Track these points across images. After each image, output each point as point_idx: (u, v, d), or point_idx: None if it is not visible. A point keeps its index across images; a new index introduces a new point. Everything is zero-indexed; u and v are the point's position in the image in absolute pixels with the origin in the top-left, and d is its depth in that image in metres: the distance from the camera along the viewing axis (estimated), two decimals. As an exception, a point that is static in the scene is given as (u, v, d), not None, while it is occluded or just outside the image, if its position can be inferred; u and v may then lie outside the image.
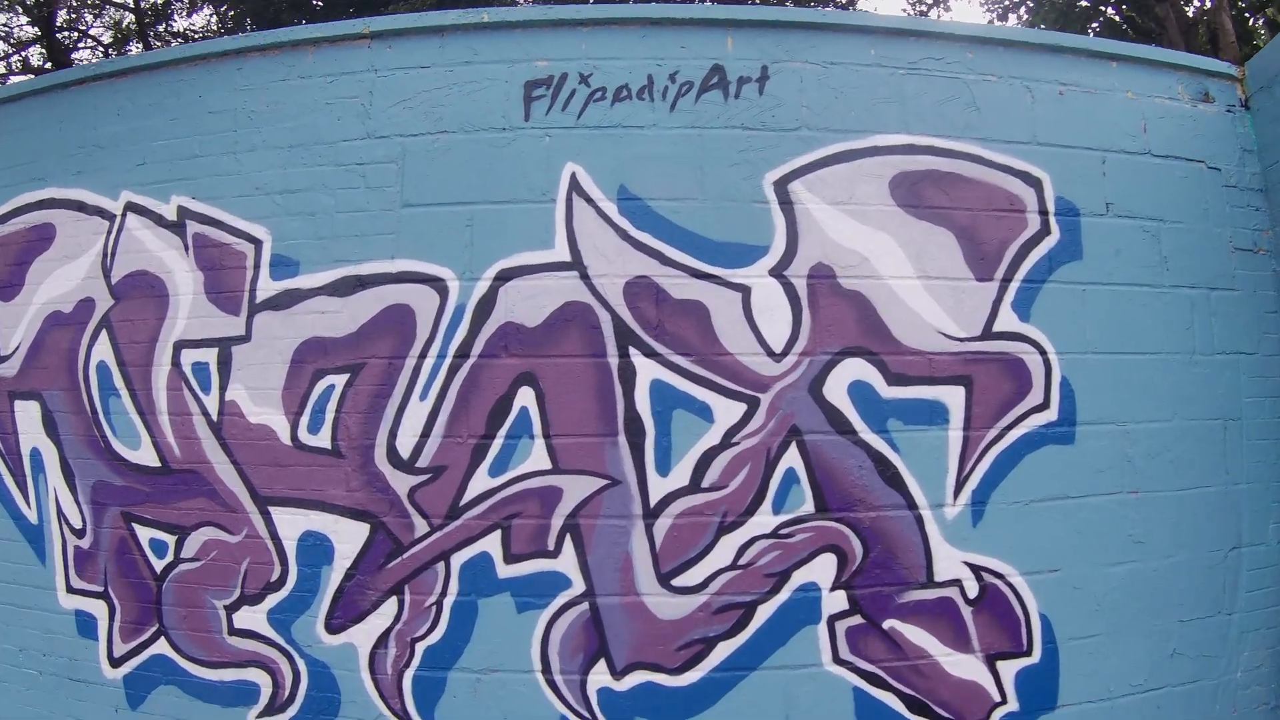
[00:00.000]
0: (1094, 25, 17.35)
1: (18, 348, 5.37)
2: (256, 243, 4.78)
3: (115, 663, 5.12)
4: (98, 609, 5.15)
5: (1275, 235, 5.06)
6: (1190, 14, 16.12)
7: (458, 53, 4.69)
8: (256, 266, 4.78)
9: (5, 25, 13.92)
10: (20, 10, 12.88)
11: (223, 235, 4.84)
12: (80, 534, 5.14)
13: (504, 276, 4.47)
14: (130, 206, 5.07)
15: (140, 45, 15.53)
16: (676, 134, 4.54)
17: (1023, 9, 17.92)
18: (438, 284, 4.46)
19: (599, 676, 4.47)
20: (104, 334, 5.09)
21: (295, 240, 4.72)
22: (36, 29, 13.03)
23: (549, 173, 4.54)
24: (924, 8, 16.59)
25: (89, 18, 14.15)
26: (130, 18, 13.71)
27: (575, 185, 4.50)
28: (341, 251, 4.60)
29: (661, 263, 4.46)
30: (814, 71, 4.69)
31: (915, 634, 4.52)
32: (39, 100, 5.61)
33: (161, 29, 14.63)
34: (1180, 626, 4.76)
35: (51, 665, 5.31)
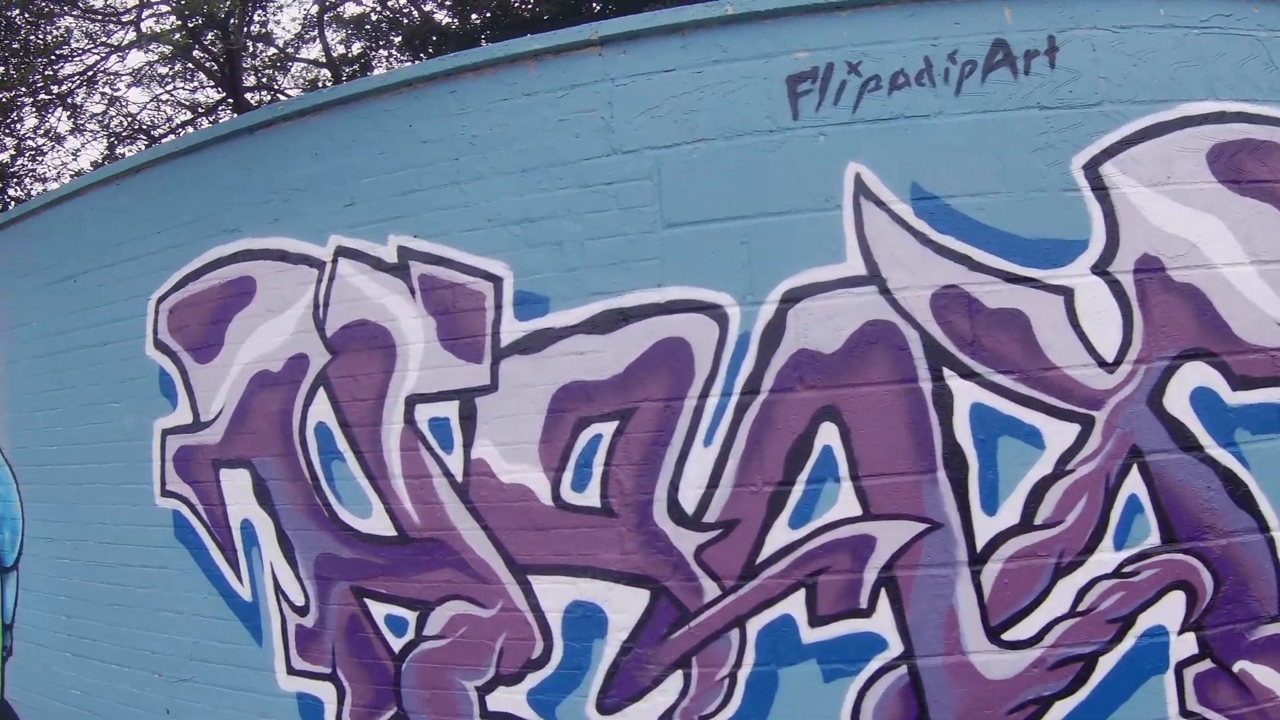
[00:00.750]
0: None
1: (220, 412, 4.64)
2: (495, 280, 3.98)
3: (340, 754, 4.22)
4: (324, 692, 4.40)
5: None
6: None
7: (704, 51, 3.88)
8: (498, 307, 3.98)
9: (190, 90, 13.35)
10: (205, 75, 12.27)
11: (454, 275, 4.05)
12: (303, 611, 4.37)
13: (791, 298, 3.66)
14: (341, 251, 4.31)
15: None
16: (967, 120, 3.69)
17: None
18: (715, 311, 3.64)
19: None
20: (321, 392, 4.33)
21: (541, 274, 3.93)
22: (222, 90, 12.41)
23: (829, 176, 3.70)
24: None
25: (279, 78, 13.54)
26: (325, 73, 13.06)
27: (861, 187, 3.66)
28: (597, 283, 3.81)
29: (970, 268, 3.59)
30: (1106, 38, 3.80)
31: (1265, 674, 3.61)
32: (223, 148, 4.91)
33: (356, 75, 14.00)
34: None
35: None
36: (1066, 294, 3.61)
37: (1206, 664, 3.60)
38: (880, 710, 3.61)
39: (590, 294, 3.86)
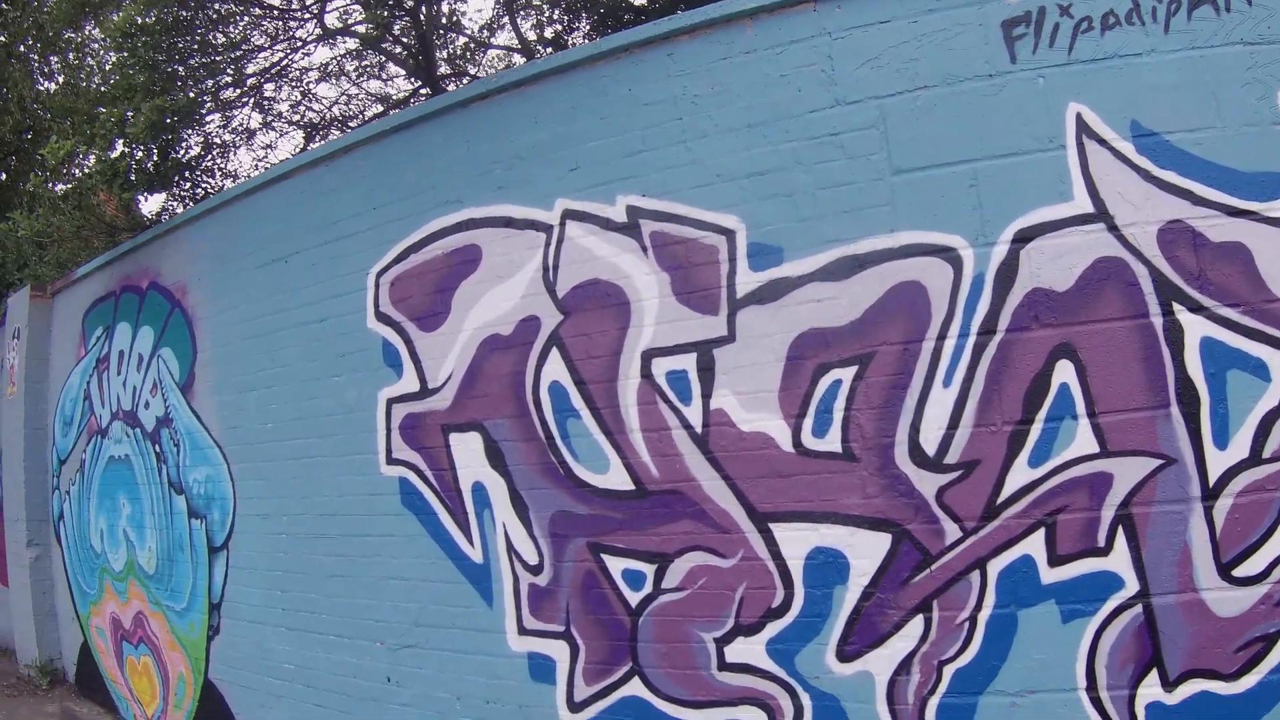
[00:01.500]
0: None
1: (448, 378, 5.37)
2: (728, 233, 4.60)
3: (576, 707, 5.04)
4: (557, 650, 5.08)
5: None
6: None
7: (918, 2, 4.40)
8: (731, 259, 4.61)
9: (381, 83, 14.47)
10: (396, 64, 13.34)
11: (686, 230, 4.69)
12: (536, 570, 5.05)
13: (1023, 237, 4.17)
14: (569, 214, 4.99)
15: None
16: (1179, 58, 4.14)
17: None
18: (949, 254, 4.12)
19: (1149, 690, 4.01)
20: (555, 352, 5.02)
21: (773, 225, 4.53)
22: (416, 80, 13.47)
23: (1051, 117, 4.20)
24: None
25: (472, 67, 14.54)
26: (518, 59, 14.01)
27: (1083, 127, 4.15)
28: (830, 231, 4.39)
29: (1193, 203, 4.04)
30: None
31: None
32: (438, 122, 5.65)
33: (548, 50, 14.97)
34: None
35: (496, 713, 5.29)
36: None
37: None
38: (1115, 651, 4.05)
39: (824, 242, 4.43)
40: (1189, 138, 4.09)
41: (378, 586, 5.83)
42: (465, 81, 13.23)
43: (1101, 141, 4.13)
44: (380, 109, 13.74)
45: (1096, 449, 4.07)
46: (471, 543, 5.33)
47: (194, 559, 7.43)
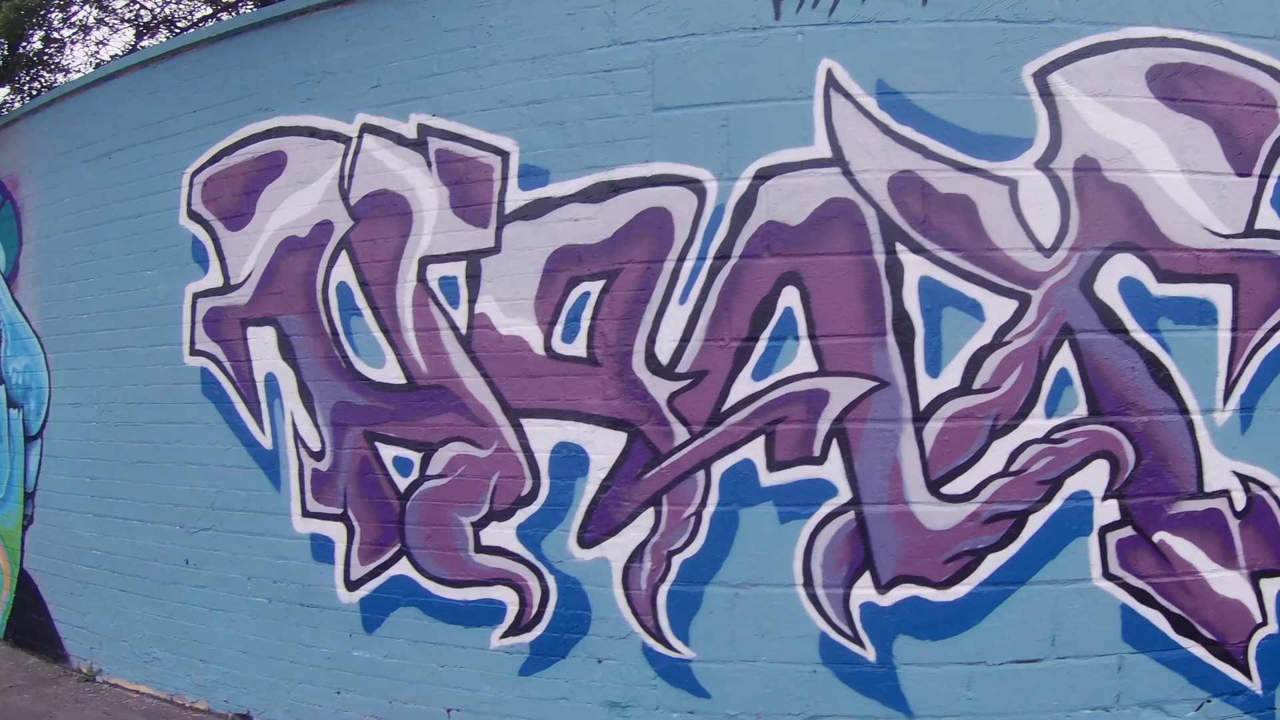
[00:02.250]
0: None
1: (249, 275, 5.66)
2: (503, 154, 4.94)
3: (352, 586, 5.37)
4: (335, 532, 5.40)
5: None
6: None
7: (700, -46, 4.72)
8: (504, 178, 4.95)
9: None
10: None
11: (467, 149, 5.02)
12: (319, 456, 5.37)
13: (764, 175, 4.48)
14: (367, 128, 5.29)
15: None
16: (931, 28, 4.56)
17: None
18: (695, 185, 4.52)
19: (863, 590, 4.48)
20: (344, 255, 5.32)
21: (544, 150, 4.86)
22: None
23: (804, 70, 4.59)
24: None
25: None
26: None
27: (832, 81, 4.55)
28: (593, 158, 4.73)
29: (925, 156, 4.47)
30: None
31: (1184, 548, 4.46)
32: (258, 33, 5.89)
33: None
34: None
35: (282, 592, 5.60)
36: (1011, 184, 4.50)
37: (1128, 530, 4.44)
38: (830, 551, 4.53)
39: (586, 168, 4.81)
40: (931, 99, 4.53)
41: (179, 472, 6.08)
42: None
43: (847, 95, 4.55)
44: (208, 10, 13.81)
45: (815, 368, 4.52)
46: (263, 430, 5.64)
47: (11, 449, 7.55)
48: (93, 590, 6.66)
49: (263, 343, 5.57)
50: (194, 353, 5.94)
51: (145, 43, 12.30)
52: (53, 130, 7.19)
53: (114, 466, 6.48)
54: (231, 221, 5.71)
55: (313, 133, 5.44)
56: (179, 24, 13.14)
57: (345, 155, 5.31)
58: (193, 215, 5.91)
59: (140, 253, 6.25)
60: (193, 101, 6.03)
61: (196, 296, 5.90)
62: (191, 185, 5.95)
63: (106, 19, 12.33)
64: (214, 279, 5.79)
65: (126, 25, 12.89)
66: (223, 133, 5.84)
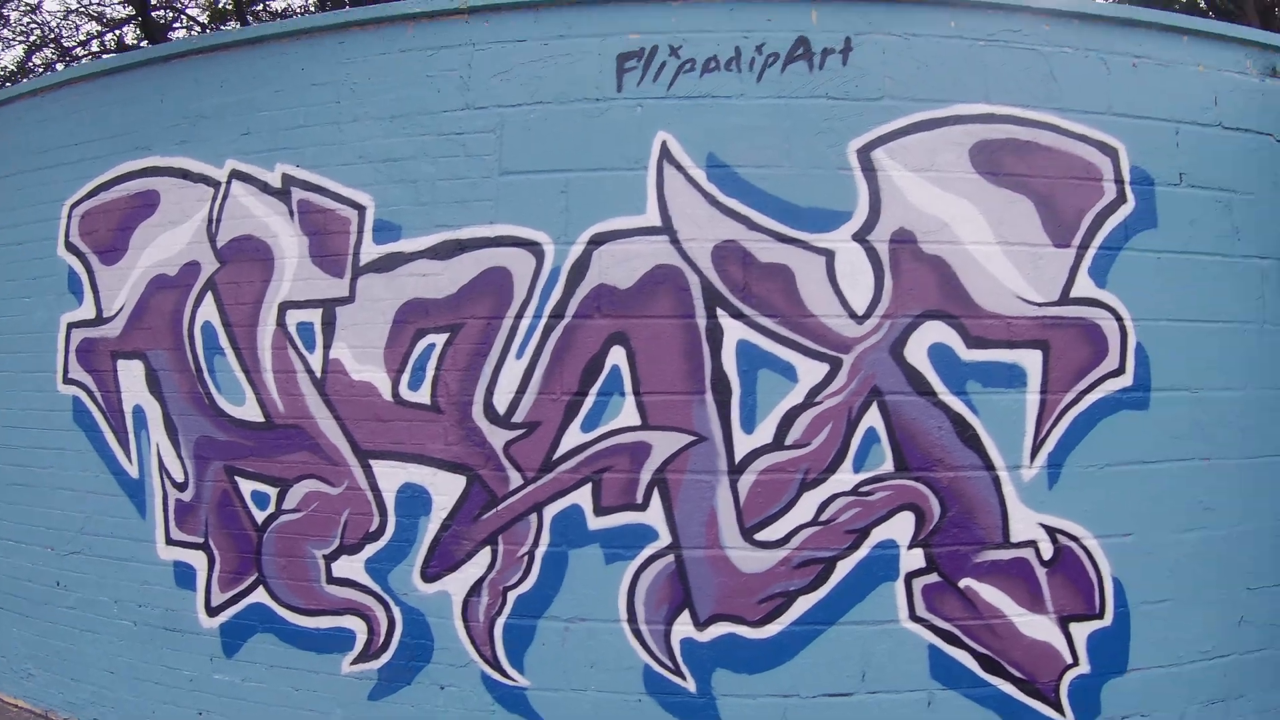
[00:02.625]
0: (1178, 3, 17.51)
1: (120, 309, 5.93)
2: (360, 208, 5.27)
3: (212, 612, 5.66)
4: (197, 560, 5.70)
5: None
6: (1270, -2, 16.26)
7: (553, 26, 5.12)
8: (360, 231, 5.27)
9: (99, 4, 14.67)
10: None
11: (327, 201, 5.34)
12: (182, 487, 5.67)
13: (597, 240, 4.91)
14: (235, 174, 5.59)
15: (237, 23, 16.20)
16: (764, 104, 4.96)
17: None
18: (534, 248, 4.93)
19: (683, 627, 4.88)
20: (209, 296, 5.61)
21: (397, 206, 5.19)
22: (130, 8, 13.76)
23: (641, 142, 4.97)
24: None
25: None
26: None
27: (666, 153, 4.93)
28: (442, 217, 5.09)
29: (749, 227, 4.87)
30: (896, 43, 5.05)
31: (990, 593, 4.90)
32: (140, 73, 6.15)
33: (259, 8, 15.30)
34: (1248, 595, 5.14)
35: (147, 616, 5.87)
36: (829, 255, 4.91)
37: (934, 577, 4.89)
38: (652, 590, 4.94)
39: (435, 225, 5.15)
40: (757, 172, 4.94)
41: (51, 496, 6.30)
42: (171, 15, 13.65)
43: (679, 167, 4.95)
44: (99, 29, 14.07)
45: (639, 422, 4.91)
46: (130, 459, 5.91)
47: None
48: (-32, 607, 6.81)
49: (131, 375, 5.84)
50: (67, 381, 6.18)
51: (37, 60, 12.51)
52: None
53: (-9, 488, 6.63)
54: (106, 255, 5.97)
55: (185, 174, 5.72)
56: (66, 41, 13.35)
57: (214, 199, 5.60)
58: (70, 247, 6.16)
59: (21, 280, 6.48)
60: (77, 134, 6.28)
61: (71, 326, 6.12)
62: (70, 217, 6.19)
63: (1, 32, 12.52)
64: (88, 310, 6.05)
65: (17, 40, 13.09)
66: (102, 168, 6.09)
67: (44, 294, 6.35)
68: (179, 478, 5.68)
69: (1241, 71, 5.40)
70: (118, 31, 13.75)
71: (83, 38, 14.08)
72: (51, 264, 6.30)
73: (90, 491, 6.10)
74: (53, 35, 13.76)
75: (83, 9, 14.50)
